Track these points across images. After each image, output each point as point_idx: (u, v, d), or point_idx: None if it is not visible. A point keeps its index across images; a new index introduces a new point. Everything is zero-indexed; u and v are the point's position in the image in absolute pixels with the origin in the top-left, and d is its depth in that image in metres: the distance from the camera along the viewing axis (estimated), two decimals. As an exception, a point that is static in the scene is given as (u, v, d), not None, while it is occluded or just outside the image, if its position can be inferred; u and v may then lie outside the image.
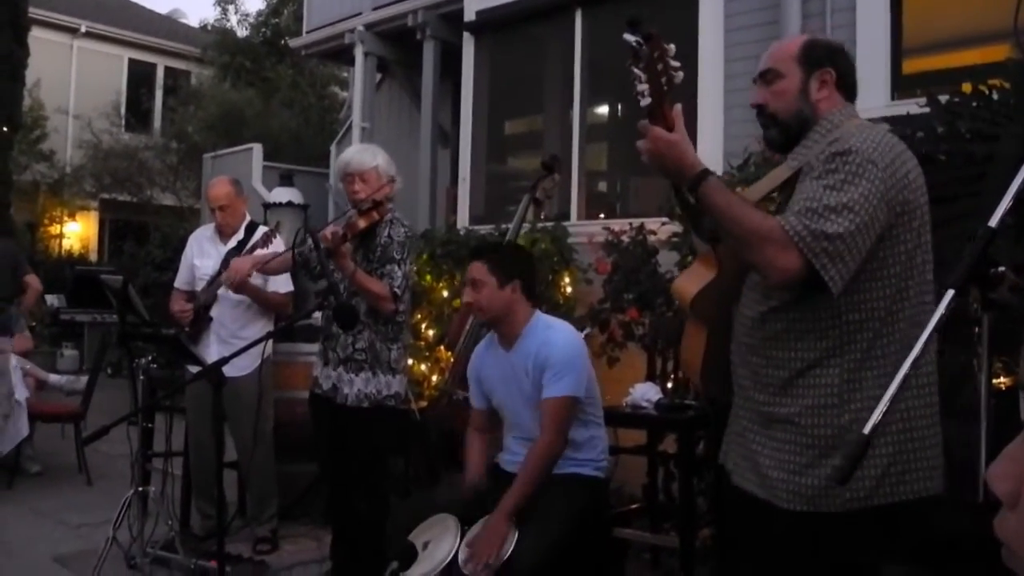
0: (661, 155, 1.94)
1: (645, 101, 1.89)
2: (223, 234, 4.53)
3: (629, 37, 1.86)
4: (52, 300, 12.75)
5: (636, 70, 1.88)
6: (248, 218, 4.57)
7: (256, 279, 4.14)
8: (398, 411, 3.61)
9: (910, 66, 5.38)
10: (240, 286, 4.00)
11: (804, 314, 1.99)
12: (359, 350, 3.49)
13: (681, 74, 1.91)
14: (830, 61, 2.12)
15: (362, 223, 3.40)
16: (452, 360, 4.24)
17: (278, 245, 4.22)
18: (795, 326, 2.00)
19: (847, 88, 2.13)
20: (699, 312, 2.19)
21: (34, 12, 11.41)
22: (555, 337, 2.97)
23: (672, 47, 1.90)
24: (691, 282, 2.20)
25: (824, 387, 1.98)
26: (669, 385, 4.22)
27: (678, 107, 1.95)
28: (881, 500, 1.95)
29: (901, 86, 5.31)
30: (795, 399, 2.01)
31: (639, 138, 1.98)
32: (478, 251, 3.20)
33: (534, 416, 2.98)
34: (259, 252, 4.10)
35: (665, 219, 4.66)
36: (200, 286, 4.46)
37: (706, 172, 1.94)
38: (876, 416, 1.38)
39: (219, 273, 4.33)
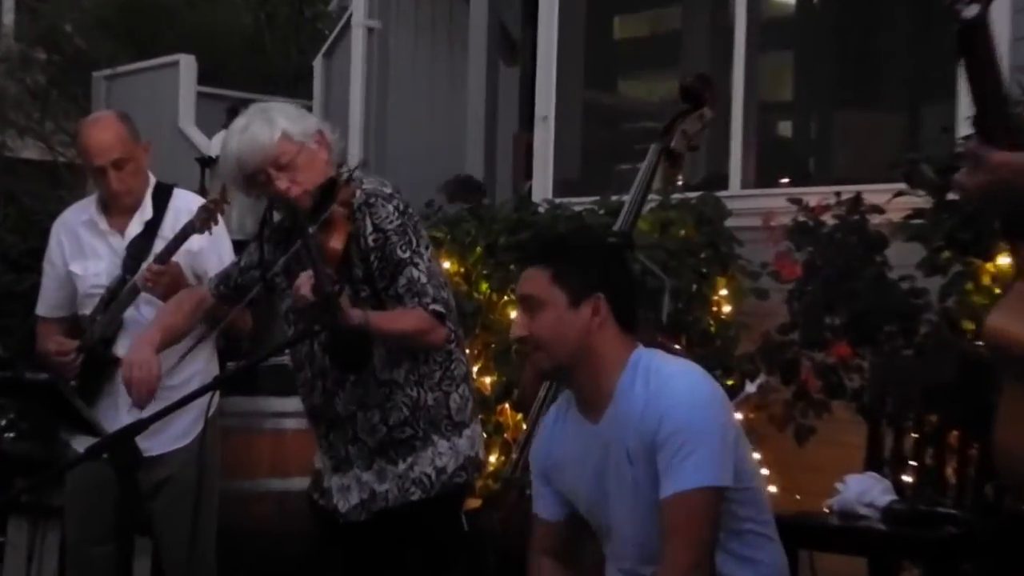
0: (1008, 187, 1.81)
1: (969, 11, 1.75)
2: (114, 213, 3.63)
3: None
4: None
5: None
6: (153, 179, 3.65)
7: (183, 264, 3.49)
8: (468, 488, 3.22)
9: None
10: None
11: None
12: (399, 424, 2.95)
13: None
14: None
15: (337, 241, 2.89)
16: (526, 429, 3.57)
17: (222, 230, 3.56)
18: None
19: None
20: None
21: None
22: (669, 388, 2.48)
23: None
24: (1018, 319, 1.93)
25: None
26: (908, 478, 3.54)
27: None
28: None
29: None
30: None
31: (960, 162, 1.96)
32: (536, 250, 2.88)
33: (653, 530, 2.47)
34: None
35: (900, 186, 3.88)
36: (89, 307, 3.59)
37: None
38: None
39: (122, 280, 3.54)
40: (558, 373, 2.63)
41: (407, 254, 2.88)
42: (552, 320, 2.52)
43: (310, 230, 2.87)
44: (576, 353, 2.53)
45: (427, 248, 2.99)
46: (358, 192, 2.93)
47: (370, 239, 2.90)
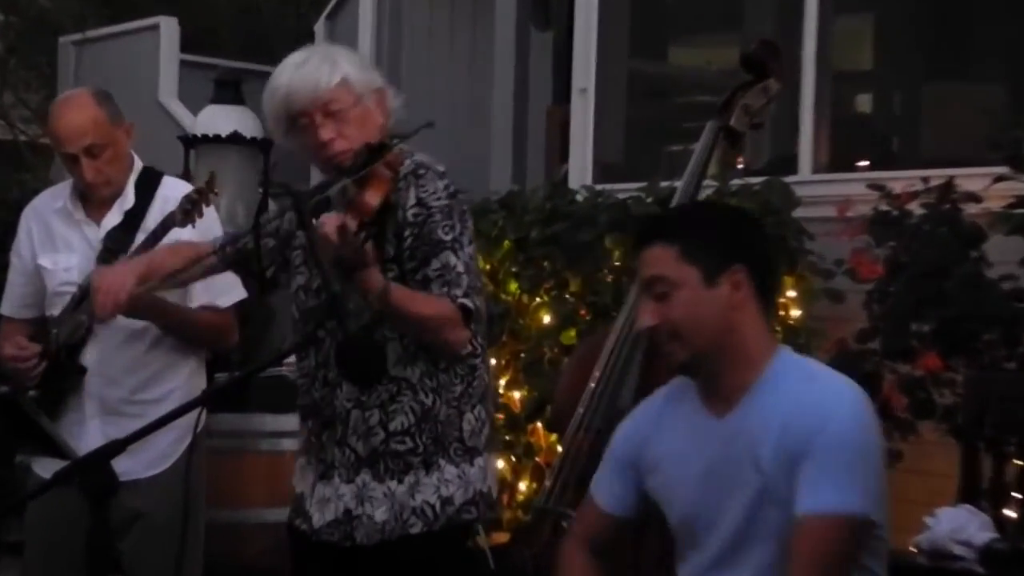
0: None
1: None
2: (92, 201, 3.43)
3: None
4: None
5: None
6: (139, 164, 3.45)
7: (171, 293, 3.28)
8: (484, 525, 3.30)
9: None
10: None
11: None
12: (400, 432, 2.77)
13: None
14: None
15: (374, 197, 2.62)
16: (562, 451, 3.30)
17: (211, 220, 3.34)
18: None
19: None
20: None
21: None
22: (835, 391, 2.30)
23: None
24: None
25: None
26: (1011, 512, 3.44)
27: None
28: None
29: None
30: None
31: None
32: (654, 227, 2.56)
33: (768, 549, 2.27)
34: (156, 255, 3.14)
35: (1001, 169, 3.77)
36: (59, 307, 3.40)
37: None
38: None
39: None
40: (695, 364, 2.41)
41: (448, 237, 2.75)
42: (687, 302, 2.35)
43: (348, 181, 2.70)
44: (717, 337, 2.35)
45: (471, 243, 2.85)
46: (407, 161, 2.78)
47: (410, 213, 2.77)
